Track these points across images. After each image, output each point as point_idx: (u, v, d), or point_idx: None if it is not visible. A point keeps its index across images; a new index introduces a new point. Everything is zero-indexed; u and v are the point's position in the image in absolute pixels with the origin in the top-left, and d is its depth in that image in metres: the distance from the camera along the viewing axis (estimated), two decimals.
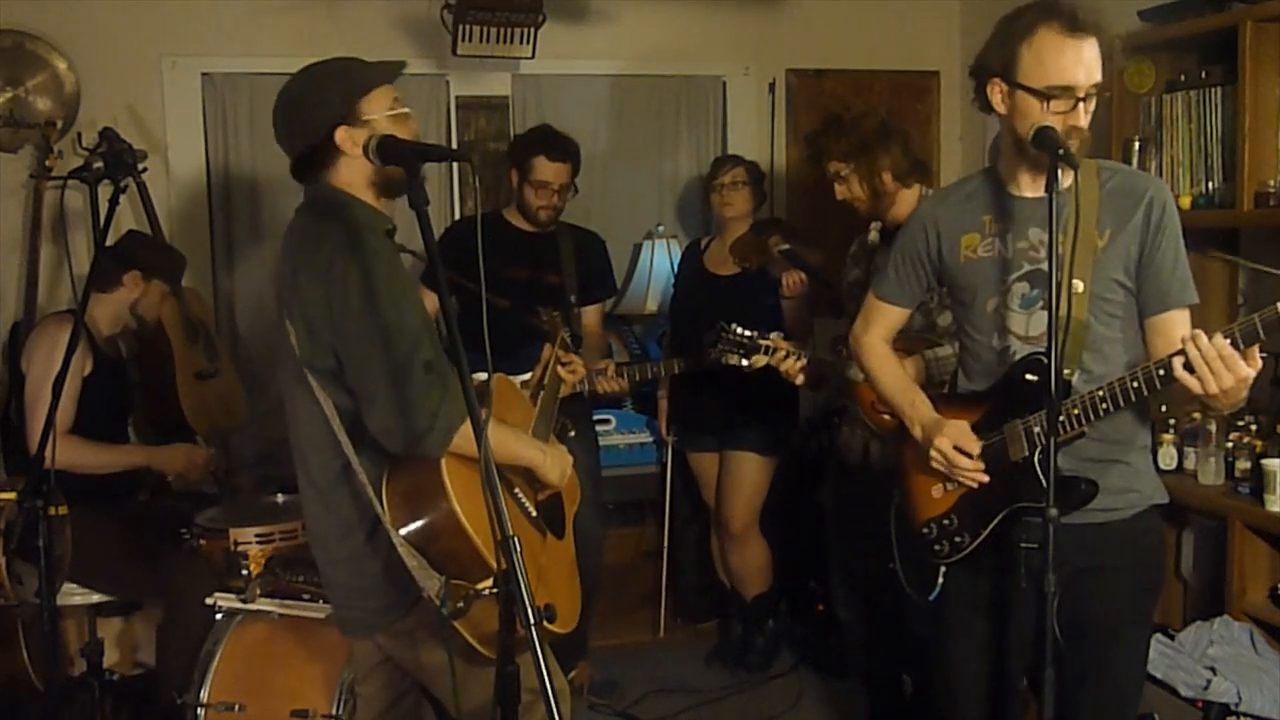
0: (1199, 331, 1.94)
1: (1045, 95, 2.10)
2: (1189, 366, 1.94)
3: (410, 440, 2.09)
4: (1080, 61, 2.10)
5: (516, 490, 2.39)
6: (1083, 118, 2.11)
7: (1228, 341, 1.91)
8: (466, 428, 2.08)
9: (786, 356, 3.21)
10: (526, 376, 2.92)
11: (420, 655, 2.25)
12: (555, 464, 2.37)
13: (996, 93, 2.20)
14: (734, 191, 3.98)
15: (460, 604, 2.03)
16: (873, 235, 3.32)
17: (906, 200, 3.21)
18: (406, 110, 2.23)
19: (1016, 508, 2.20)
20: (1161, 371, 1.99)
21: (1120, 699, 2.31)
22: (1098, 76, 2.12)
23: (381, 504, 2.12)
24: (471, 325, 1.87)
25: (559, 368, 2.96)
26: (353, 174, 2.21)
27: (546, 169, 3.65)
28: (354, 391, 2.12)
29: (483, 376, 2.44)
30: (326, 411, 2.14)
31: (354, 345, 2.10)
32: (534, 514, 2.40)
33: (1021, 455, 2.20)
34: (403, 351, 2.08)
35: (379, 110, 2.17)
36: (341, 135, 2.15)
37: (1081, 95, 2.10)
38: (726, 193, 3.98)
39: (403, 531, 2.12)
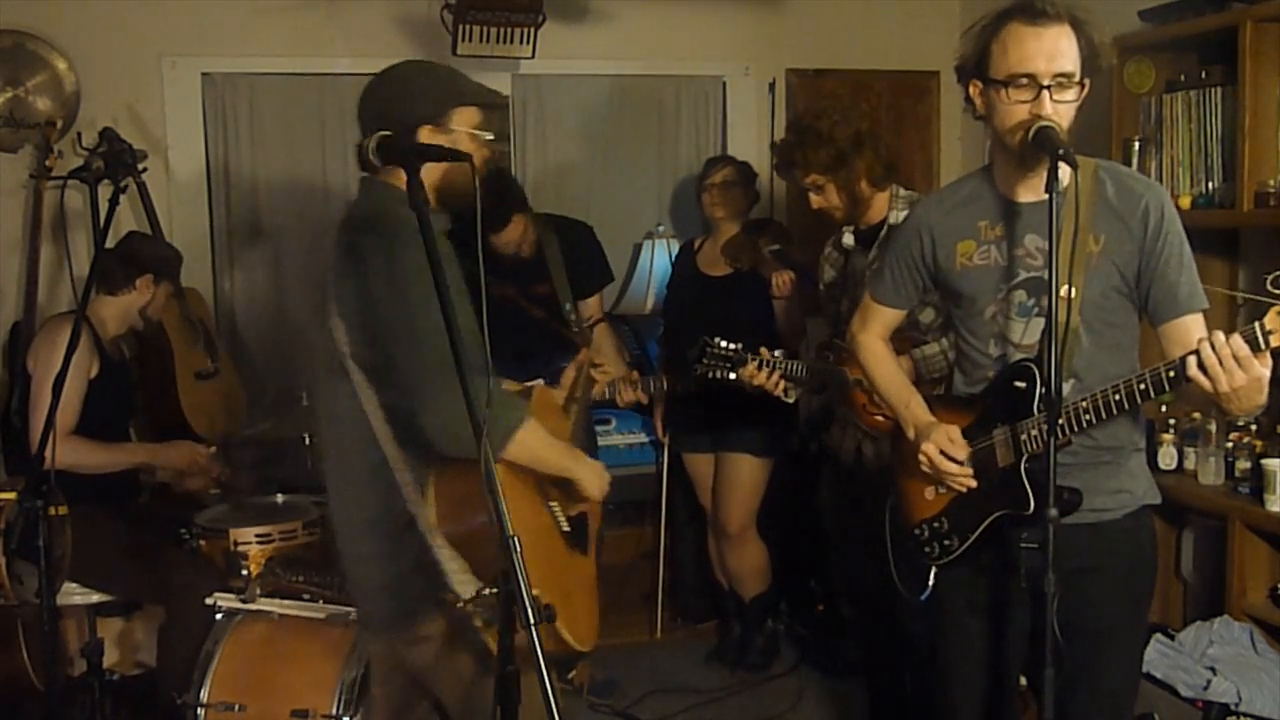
0: (1218, 332, 1.91)
1: (1005, 83, 2.09)
2: (1202, 366, 1.90)
3: (465, 440, 2.04)
4: (1041, 50, 2.07)
5: (553, 503, 2.37)
6: (1048, 106, 2.07)
7: (1245, 342, 1.87)
8: (521, 434, 2.13)
9: (760, 367, 3.23)
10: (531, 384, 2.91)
11: (436, 661, 2.24)
12: (595, 478, 2.36)
13: (975, 92, 2.19)
14: (724, 192, 3.97)
15: (492, 610, 1.98)
16: (846, 238, 3.31)
17: (880, 202, 3.21)
18: (490, 135, 2.29)
19: (1003, 514, 2.19)
20: (1172, 373, 1.95)
21: (1115, 700, 2.30)
22: (1065, 66, 2.08)
23: (427, 504, 2.11)
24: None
25: (592, 369, 3.01)
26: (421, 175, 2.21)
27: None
28: (406, 390, 2.10)
29: (537, 383, 2.49)
30: (368, 407, 2.13)
31: (412, 344, 2.08)
32: (567, 529, 2.37)
33: (1008, 462, 2.18)
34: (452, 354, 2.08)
35: (465, 125, 2.23)
36: (426, 134, 2.21)
37: (1045, 83, 2.07)
38: (716, 193, 3.98)
39: (446, 534, 2.10)
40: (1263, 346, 1.85)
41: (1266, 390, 1.94)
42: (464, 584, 2.07)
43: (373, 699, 2.55)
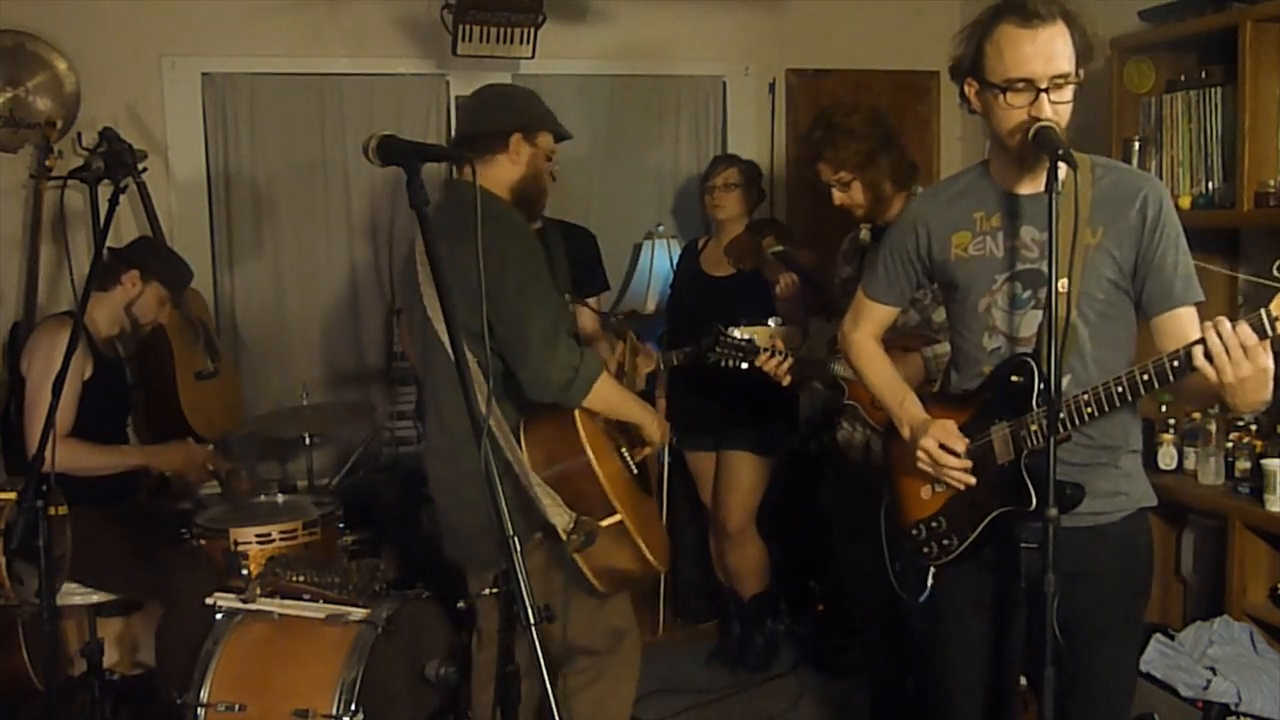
0: (1223, 319, 1.88)
1: (1003, 88, 2.09)
2: (1209, 354, 1.87)
3: (558, 388, 2.51)
4: (1038, 52, 2.06)
5: (623, 449, 2.76)
6: (1047, 108, 2.06)
7: (1252, 330, 1.85)
8: (599, 385, 2.56)
9: (772, 357, 3.24)
10: None
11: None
12: (658, 423, 2.78)
13: (971, 92, 2.19)
14: (725, 194, 3.97)
15: (587, 535, 2.43)
16: (863, 234, 3.31)
17: (899, 201, 3.21)
18: (556, 167, 2.88)
19: (1003, 512, 2.18)
20: (1176, 362, 1.93)
21: (1110, 702, 2.30)
22: (1061, 66, 2.07)
23: (521, 447, 2.52)
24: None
25: (637, 358, 3.35)
26: (503, 172, 2.70)
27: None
28: (505, 349, 2.52)
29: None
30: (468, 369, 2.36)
31: (511, 309, 2.49)
32: (635, 472, 2.76)
33: (1007, 459, 2.17)
34: (552, 317, 2.54)
35: (546, 146, 2.76)
36: (515, 139, 2.70)
37: (1043, 86, 2.06)
38: (718, 195, 3.98)
39: (540, 474, 2.50)
40: (1269, 333, 1.83)
41: (1271, 385, 1.92)
42: (558, 514, 2.47)
43: (478, 665, 2.85)
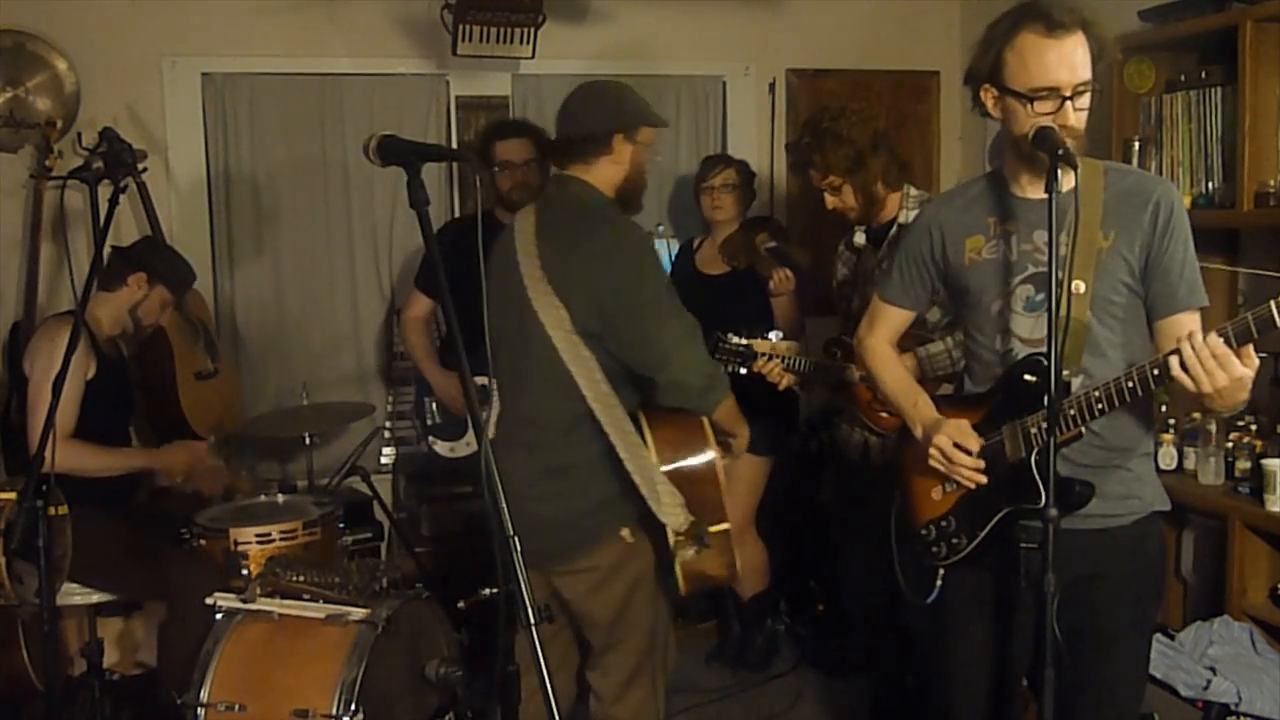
0: (1195, 330, 1.95)
1: (1030, 97, 2.10)
2: (1184, 365, 1.93)
3: (696, 394, 2.54)
4: (1062, 60, 2.08)
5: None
6: (1072, 116, 2.09)
7: (1221, 340, 1.90)
8: (729, 398, 2.62)
9: (769, 361, 3.24)
10: None
11: (589, 591, 2.53)
12: (748, 436, 2.80)
13: (989, 98, 2.20)
14: (724, 194, 3.97)
15: (701, 540, 2.43)
16: (858, 237, 3.32)
17: (892, 201, 3.21)
18: (659, 156, 2.86)
19: (1013, 510, 2.19)
20: (1156, 371, 1.98)
21: (1119, 706, 2.30)
22: (1084, 74, 2.10)
23: (646, 443, 2.52)
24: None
25: None
26: (607, 174, 2.68)
27: (506, 149, 3.76)
28: (634, 354, 2.52)
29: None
30: (575, 368, 2.48)
31: (647, 315, 2.51)
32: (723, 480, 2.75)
33: (1018, 456, 2.18)
34: (686, 324, 2.57)
35: (647, 140, 2.72)
36: (617, 140, 2.66)
37: (1068, 94, 2.09)
38: (716, 195, 3.98)
39: (665, 471, 2.49)
40: (1278, 324, 1.86)
41: (1249, 388, 1.98)
42: (675, 514, 2.47)
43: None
